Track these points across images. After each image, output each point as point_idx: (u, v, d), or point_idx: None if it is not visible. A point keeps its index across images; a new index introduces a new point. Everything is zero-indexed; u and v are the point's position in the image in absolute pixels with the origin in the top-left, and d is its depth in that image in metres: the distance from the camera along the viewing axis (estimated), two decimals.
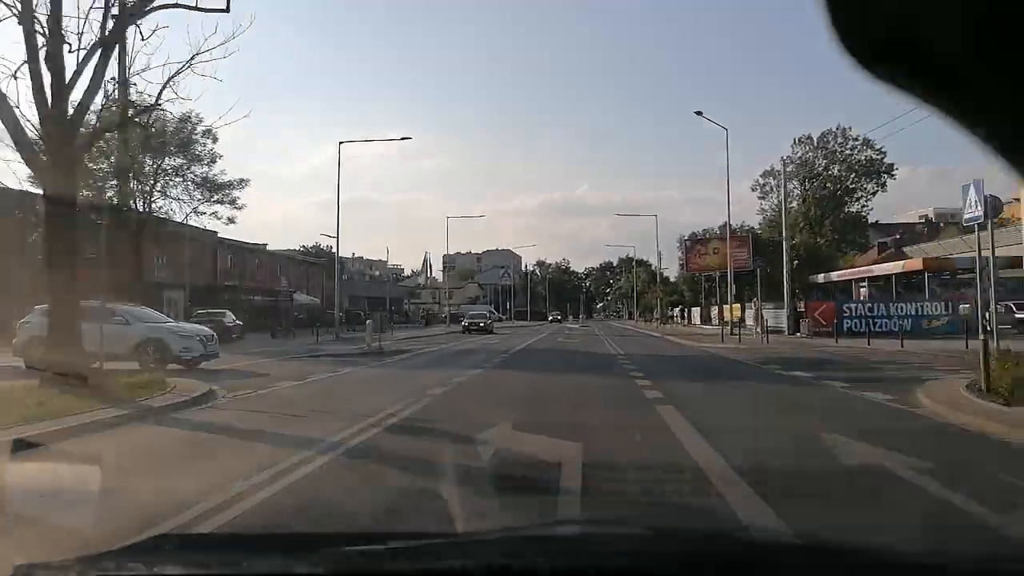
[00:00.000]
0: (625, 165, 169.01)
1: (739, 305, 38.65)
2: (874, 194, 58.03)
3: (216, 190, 34.97)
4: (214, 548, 1.69)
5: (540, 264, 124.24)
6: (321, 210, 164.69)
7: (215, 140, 34.53)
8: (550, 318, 79.72)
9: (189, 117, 33.04)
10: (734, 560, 1.41)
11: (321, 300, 58.73)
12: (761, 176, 63.39)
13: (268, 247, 57.54)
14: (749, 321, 37.32)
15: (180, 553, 1.56)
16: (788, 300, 34.05)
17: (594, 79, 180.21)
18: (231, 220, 36.71)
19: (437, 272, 71.50)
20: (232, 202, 35.39)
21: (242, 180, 36.41)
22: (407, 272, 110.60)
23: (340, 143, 34.18)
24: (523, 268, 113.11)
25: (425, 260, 67.39)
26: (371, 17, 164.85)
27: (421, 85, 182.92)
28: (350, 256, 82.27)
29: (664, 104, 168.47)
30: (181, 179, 34.32)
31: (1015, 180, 0.74)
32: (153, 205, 33.57)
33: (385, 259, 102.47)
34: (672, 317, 66.18)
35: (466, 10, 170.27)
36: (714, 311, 49.80)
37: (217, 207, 35.40)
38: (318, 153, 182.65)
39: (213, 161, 35.58)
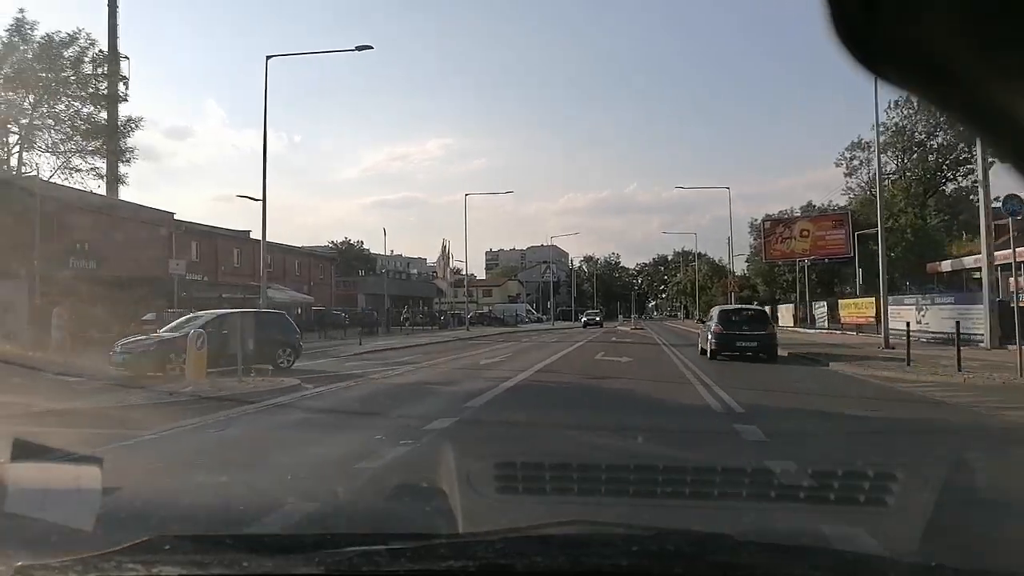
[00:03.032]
0: (675, 163, 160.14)
1: (873, 301, 25.11)
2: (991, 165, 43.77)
3: (99, 135, 23.59)
4: (214, 548, 1.62)
5: (588, 260, 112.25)
6: (371, 212, 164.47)
7: (119, 79, 23.28)
8: (584, 319, 57.42)
9: (76, 37, 21.79)
10: (734, 560, 1.44)
11: (330, 300, 47.94)
12: (847, 149, 50.53)
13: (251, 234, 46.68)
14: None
15: (180, 553, 1.55)
16: (986, 291, 20.42)
17: (642, 78, 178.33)
18: (118, 179, 25.42)
19: (459, 263, 59.80)
20: (121, 153, 24.05)
21: (131, 120, 25.05)
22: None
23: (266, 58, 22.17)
24: (570, 264, 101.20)
25: (444, 249, 55.27)
26: (416, 16, 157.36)
27: (470, 86, 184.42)
28: (388, 253, 72.45)
29: (713, 99, 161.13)
30: (54, 120, 22.98)
31: (1016, 180, 0.72)
32: (12, 159, 22.37)
33: (424, 258, 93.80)
34: None
35: (514, 10, 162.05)
36: (819, 309, 35.45)
37: (98, 161, 24.11)
38: (371, 156, 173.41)
39: (113, 102, 24.27)
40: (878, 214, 23.45)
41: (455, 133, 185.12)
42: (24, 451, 2.91)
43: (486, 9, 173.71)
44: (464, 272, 61.73)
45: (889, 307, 23.22)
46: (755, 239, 60.99)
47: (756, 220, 60.42)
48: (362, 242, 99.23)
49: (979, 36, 0.63)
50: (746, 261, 64.36)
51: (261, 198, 22.57)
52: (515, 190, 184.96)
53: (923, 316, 23.87)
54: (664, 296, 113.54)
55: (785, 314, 46.05)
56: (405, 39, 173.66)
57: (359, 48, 21.28)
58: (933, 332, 22.42)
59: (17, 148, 24.53)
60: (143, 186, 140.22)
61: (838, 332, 32.20)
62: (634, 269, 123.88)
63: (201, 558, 1.49)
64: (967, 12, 0.63)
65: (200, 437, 8.10)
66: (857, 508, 3.29)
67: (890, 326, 22.33)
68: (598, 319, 57.38)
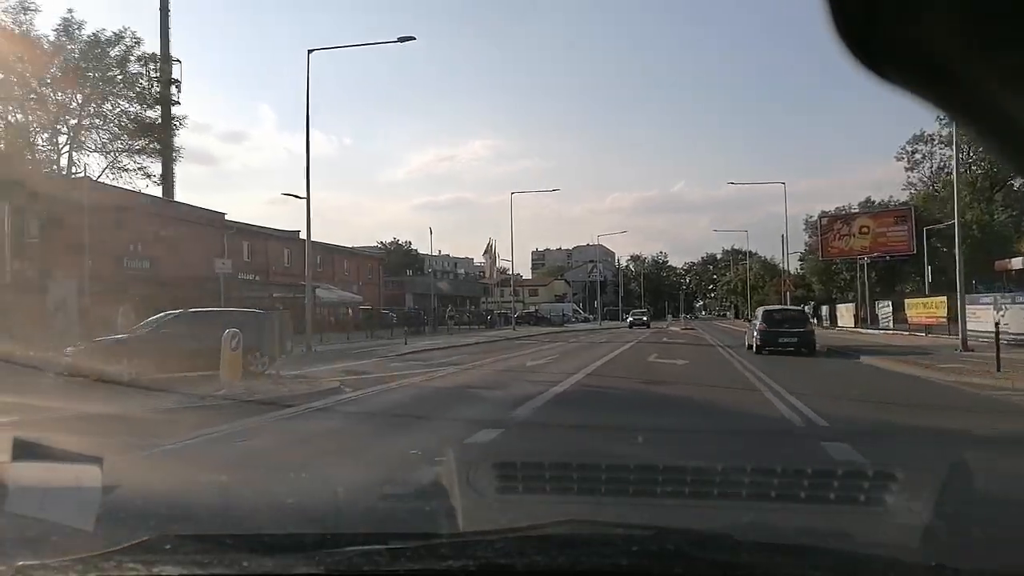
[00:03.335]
0: (722, 161, 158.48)
1: (944, 300, 23.47)
2: None
3: (147, 134, 23.54)
4: (214, 548, 1.61)
5: (635, 259, 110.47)
6: (420, 213, 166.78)
7: (161, 77, 23.23)
8: (630, 319, 54.84)
9: (122, 36, 21.80)
10: (734, 560, 1.43)
11: (378, 299, 47.97)
12: (909, 143, 48.06)
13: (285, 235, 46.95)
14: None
15: (180, 553, 1.54)
16: None
17: (689, 76, 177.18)
18: (164, 178, 25.29)
19: (506, 262, 58.95)
20: (158, 151, 23.94)
21: (175, 118, 24.99)
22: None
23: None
24: (616, 264, 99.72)
25: (489, 248, 54.49)
26: (460, 18, 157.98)
27: (515, 86, 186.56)
28: (435, 253, 72.62)
29: (760, 97, 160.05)
30: (102, 120, 23.03)
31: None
32: (62, 159, 22.47)
33: (471, 258, 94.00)
34: None
35: (558, 10, 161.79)
36: (883, 309, 33.49)
37: (146, 160, 24.09)
38: (418, 157, 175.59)
39: (158, 102, 24.23)
40: (954, 208, 21.79)
41: (501, 134, 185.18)
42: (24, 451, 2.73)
43: (530, 10, 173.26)
44: (510, 271, 60.87)
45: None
46: (810, 236, 58.66)
47: (811, 217, 58.15)
48: (410, 242, 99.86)
49: (979, 36, 0.63)
50: (800, 259, 62.02)
51: (305, 195, 22.24)
52: (561, 191, 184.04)
53: (1002, 316, 22.05)
54: (713, 295, 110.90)
55: (845, 314, 43.75)
56: (449, 41, 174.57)
57: (401, 39, 20.71)
58: (1014, 334, 20.63)
59: (67, 148, 24.70)
60: (200, 189, 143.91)
61: (904, 333, 30.27)
62: (682, 268, 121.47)
63: (201, 558, 1.48)
64: (967, 12, 0.63)
65: (220, 446, 7.42)
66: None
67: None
68: (645, 319, 55.00)
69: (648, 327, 49.64)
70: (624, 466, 3.92)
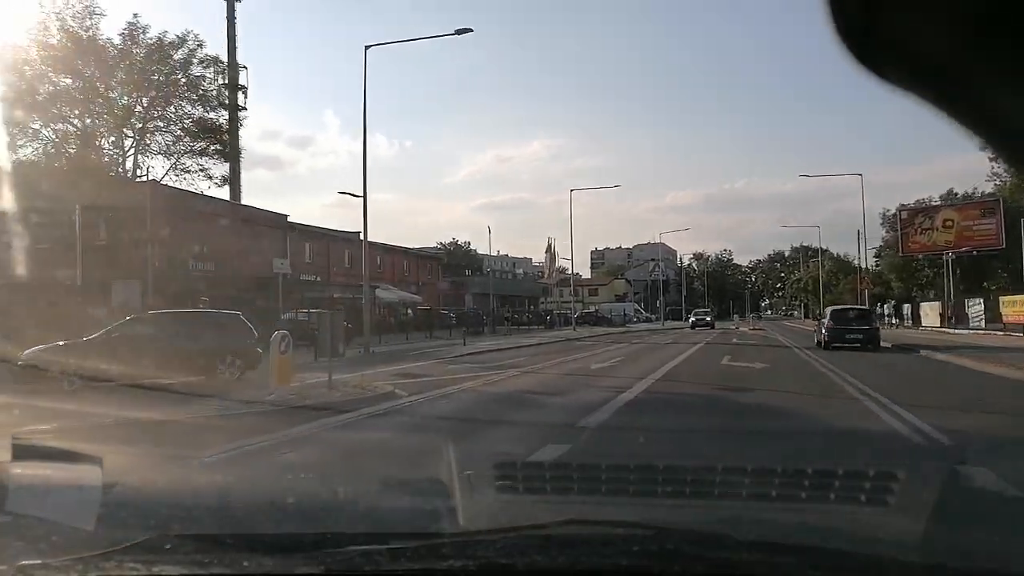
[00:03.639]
0: (786, 157, 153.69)
1: None
2: None
3: (209, 136, 23.52)
4: (214, 548, 1.60)
5: (697, 257, 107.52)
6: (479, 213, 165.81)
7: (229, 83, 23.21)
8: (692, 320, 51.97)
9: (185, 39, 21.85)
10: (734, 560, 1.42)
11: (438, 300, 47.71)
12: None
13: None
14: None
15: (180, 553, 1.54)
16: None
17: (750, 70, 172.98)
18: (225, 179, 25.26)
19: (565, 262, 57.74)
20: (222, 151, 23.88)
21: (235, 119, 24.84)
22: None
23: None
24: (679, 262, 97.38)
25: (549, 247, 53.55)
26: (518, 18, 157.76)
27: (573, 86, 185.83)
28: (494, 253, 72.54)
29: (829, 89, 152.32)
30: (165, 123, 23.12)
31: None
32: (127, 162, 22.64)
33: (529, 258, 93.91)
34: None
35: (619, 7, 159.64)
36: (973, 307, 31.02)
37: (208, 162, 24.05)
38: (477, 158, 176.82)
39: (220, 104, 24.22)
40: None
41: (560, 133, 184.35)
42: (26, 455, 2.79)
43: (587, 7, 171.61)
44: (570, 271, 59.76)
45: None
46: (887, 231, 55.56)
47: (888, 211, 55.03)
48: (469, 242, 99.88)
49: (978, 36, 0.63)
50: (876, 256, 58.86)
51: (362, 194, 21.78)
52: (621, 188, 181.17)
53: None
54: (780, 294, 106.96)
55: (930, 312, 40.83)
56: (509, 40, 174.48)
57: (458, 32, 19.99)
58: None
59: (132, 151, 24.97)
60: (268, 193, 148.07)
61: (999, 332, 27.85)
62: (747, 266, 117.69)
63: (202, 558, 1.46)
64: (966, 12, 0.63)
65: (260, 459, 6.70)
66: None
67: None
68: (709, 319, 52.36)
69: (713, 327, 47.48)
70: (624, 466, 3.68)
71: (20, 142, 22.77)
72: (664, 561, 1.39)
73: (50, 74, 22.74)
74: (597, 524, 1.97)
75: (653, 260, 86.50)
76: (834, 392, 11.50)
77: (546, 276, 60.50)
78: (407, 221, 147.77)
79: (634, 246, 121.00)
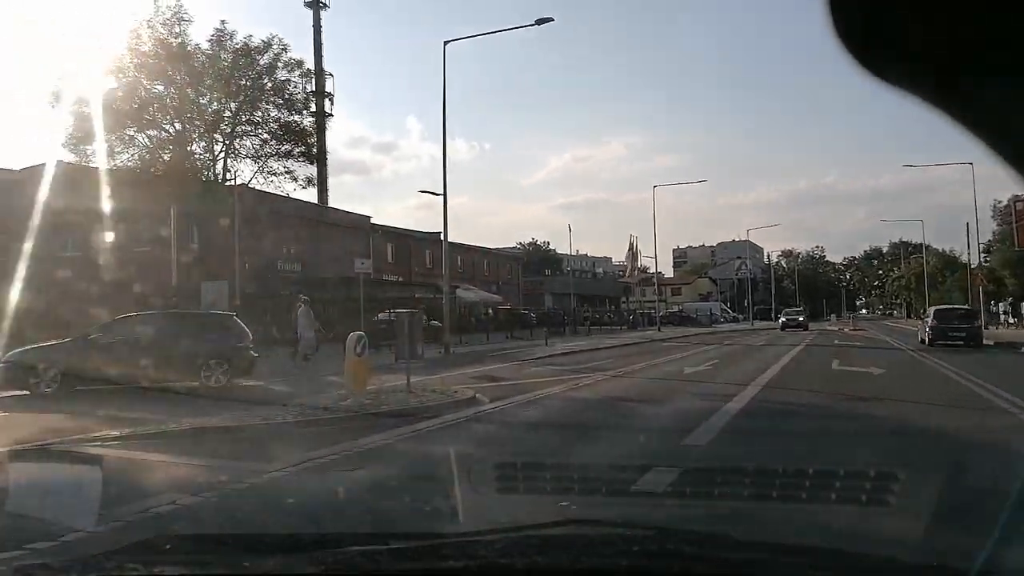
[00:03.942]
0: (879, 148, 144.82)
1: None
2: None
3: (294, 139, 23.59)
4: (214, 548, 1.62)
5: (787, 254, 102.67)
6: (557, 213, 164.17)
7: (316, 90, 23.37)
8: (782, 320, 48.17)
9: (270, 43, 22.07)
10: (734, 560, 1.42)
11: (517, 299, 47.32)
12: None
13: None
14: None
15: (180, 553, 1.53)
16: None
17: (840, 59, 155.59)
18: (310, 181, 25.36)
19: (647, 260, 55.89)
20: (308, 154, 23.95)
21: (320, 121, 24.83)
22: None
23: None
24: (765, 260, 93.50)
25: (631, 245, 51.95)
26: (596, 16, 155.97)
27: (653, 83, 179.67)
28: (573, 253, 72.06)
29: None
30: (252, 127, 23.37)
31: (1017, 181, 0.73)
32: (217, 165, 23.04)
33: (609, 257, 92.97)
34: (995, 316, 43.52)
35: (697, 3, 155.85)
36: None
37: (293, 164, 24.16)
38: (555, 159, 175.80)
39: (305, 108, 24.35)
40: None
41: (638, 131, 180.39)
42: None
43: (664, 5, 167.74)
44: (653, 269, 57.89)
45: None
46: (998, 224, 51.14)
47: (1000, 202, 50.61)
48: (548, 242, 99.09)
49: (978, 36, 0.63)
50: (985, 251, 54.23)
51: (442, 192, 21.28)
52: (704, 185, 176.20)
53: None
54: (878, 292, 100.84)
55: None
56: (587, 38, 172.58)
57: (539, 21, 19.18)
58: None
59: (222, 155, 25.43)
60: (354, 198, 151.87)
61: None
62: (840, 264, 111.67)
63: (202, 558, 1.45)
64: (966, 12, 0.62)
65: (330, 474, 6.03)
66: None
67: None
68: (801, 319, 48.71)
69: (806, 328, 44.39)
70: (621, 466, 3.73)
71: (118, 149, 23.61)
72: (664, 561, 1.38)
73: (143, 81, 23.40)
74: (597, 524, 1.97)
75: (739, 258, 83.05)
76: (966, 399, 9.91)
77: (628, 275, 58.88)
78: (484, 223, 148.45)
79: (717, 244, 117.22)
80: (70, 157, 24.66)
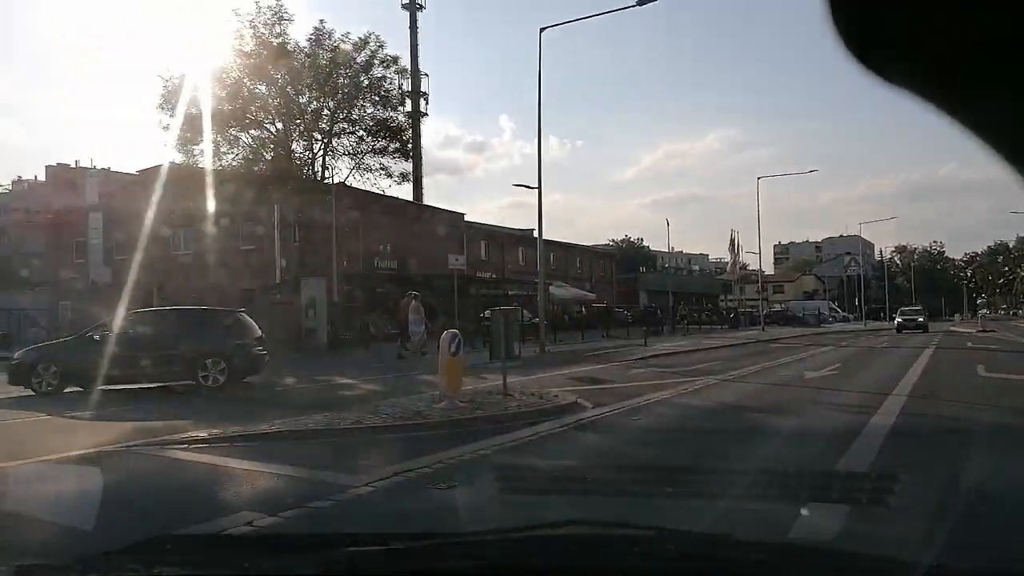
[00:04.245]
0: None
1: None
2: None
3: (390, 135, 23.45)
4: (214, 548, 1.65)
5: (900, 250, 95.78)
6: (650, 210, 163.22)
7: (412, 90, 23.38)
8: (898, 320, 44.34)
9: (367, 41, 22.12)
10: (734, 560, 1.39)
11: (612, 297, 46.58)
12: None
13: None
14: None
15: (180, 553, 1.52)
16: None
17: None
18: (404, 176, 25.16)
19: (751, 255, 52.91)
20: (403, 150, 23.80)
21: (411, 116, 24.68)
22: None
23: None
24: (877, 256, 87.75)
25: (732, 241, 49.50)
26: (689, 5, 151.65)
27: (750, 73, 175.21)
28: (668, 250, 70.74)
29: None
30: (350, 124, 23.41)
31: (1017, 182, 0.72)
32: (316, 163, 23.24)
33: (705, 254, 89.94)
34: None
35: None
36: None
37: (388, 160, 24.03)
38: (650, 155, 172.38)
39: (400, 104, 24.22)
40: None
41: (736, 123, 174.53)
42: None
43: None
44: (757, 266, 54.85)
45: None
46: None
47: None
48: (642, 239, 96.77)
49: (978, 36, 0.62)
50: None
51: (537, 185, 20.46)
52: (805, 178, 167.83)
53: None
54: (1005, 290, 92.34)
55: None
56: (676, 31, 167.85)
57: (640, 2, 17.98)
58: None
59: (320, 153, 25.65)
60: (449, 196, 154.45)
61: None
62: (961, 260, 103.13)
63: (202, 558, 1.45)
64: (966, 12, 0.62)
65: (413, 493, 5.24)
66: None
67: None
68: (920, 319, 44.71)
69: (925, 330, 40.43)
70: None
71: (223, 149, 24.23)
72: (664, 561, 1.37)
73: (245, 81, 23.85)
74: (597, 524, 1.97)
75: (848, 254, 78.00)
76: None
77: (729, 272, 56.20)
78: (576, 221, 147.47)
79: (823, 239, 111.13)
80: (179, 158, 25.58)
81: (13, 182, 69.45)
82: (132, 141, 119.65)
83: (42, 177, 69.49)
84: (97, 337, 12.61)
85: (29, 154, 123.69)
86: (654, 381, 13.14)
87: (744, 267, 62.70)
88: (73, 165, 66.71)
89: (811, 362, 17.66)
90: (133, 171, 38.61)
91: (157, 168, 32.86)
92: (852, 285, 71.87)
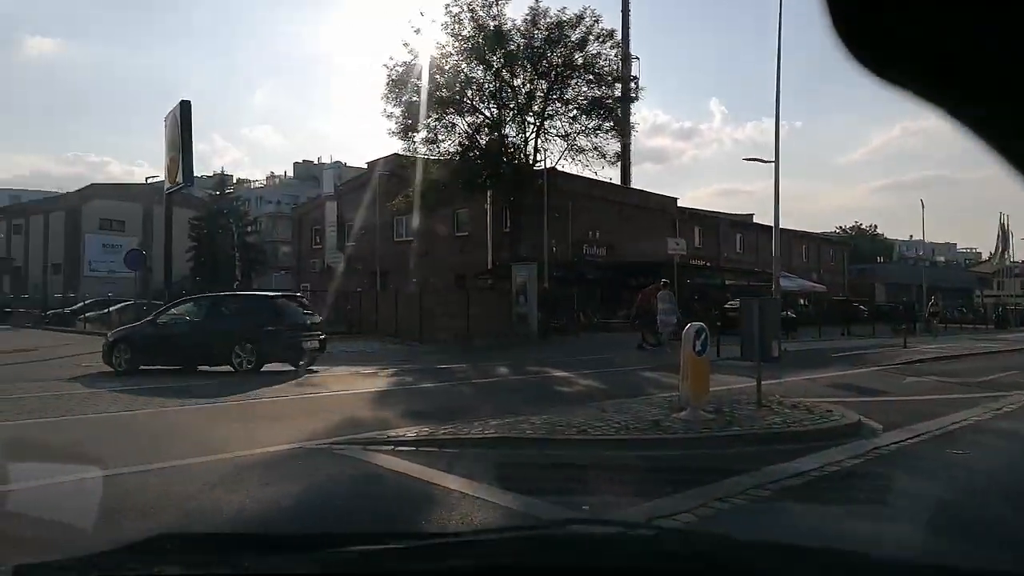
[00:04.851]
0: None
1: None
2: None
3: (603, 113, 21.99)
4: (214, 548, 1.59)
5: None
6: (881, 196, 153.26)
7: (622, 74, 22.08)
8: None
9: (582, 16, 21.06)
10: (734, 560, 1.36)
11: (842, 289, 42.01)
12: None
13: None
14: None
15: (180, 553, 1.50)
16: None
17: None
18: (618, 156, 23.44)
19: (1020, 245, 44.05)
20: (617, 128, 22.18)
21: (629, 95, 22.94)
22: (984, 256, 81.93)
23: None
24: None
25: (1002, 227, 41.38)
26: None
27: None
28: (907, 239, 63.02)
29: None
30: (563, 104, 22.29)
31: (1018, 183, 0.71)
32: (528, 146, 22.49)
33: (953, 243, 79.21)
34: None
35: None
36: None
37: (601, 140, 22.55)
38: (882, 134, 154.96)
39: (615, 81, 22.74)
40: None
41: None
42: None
43: None
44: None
45: None
46: None
47: None
48: (875, 226, 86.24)
49: (978, 36, 0.62)
50: None
51: (773, 159, 17.71)
52: None
53: None
54: None
55: None
56: None
57: None
58: None
59: (533, 136, 24.75)
60: (656, 184, 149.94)
61: None
62: None
63: (201, 558, 1.45)
64: (966, 11, 0.61)
65: None
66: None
67: None
68: None
69: None
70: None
71: (441, 136, 24.27)
72: (664, 561, 1.35)
73: (463, 66, 23.57)
74: (597, 524, 2.05)
75: None
76: None
77: (996, 263, 47.35)
78: (794, 208, 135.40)
79: None
80: (401, 147, 26.13)
81: (267, 178, 78.84)
82: (363, 133, 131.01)
83: (291, 173, 78.12)
84: (160, 321, 13.70)
85: (282, 153, 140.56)
86: (944, 395, 10.27)
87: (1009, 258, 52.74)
88: (315, 161, 74.11)
89: None
90: (363, 163, 41.25)
91: (381, 159, 34.58)
92: None
